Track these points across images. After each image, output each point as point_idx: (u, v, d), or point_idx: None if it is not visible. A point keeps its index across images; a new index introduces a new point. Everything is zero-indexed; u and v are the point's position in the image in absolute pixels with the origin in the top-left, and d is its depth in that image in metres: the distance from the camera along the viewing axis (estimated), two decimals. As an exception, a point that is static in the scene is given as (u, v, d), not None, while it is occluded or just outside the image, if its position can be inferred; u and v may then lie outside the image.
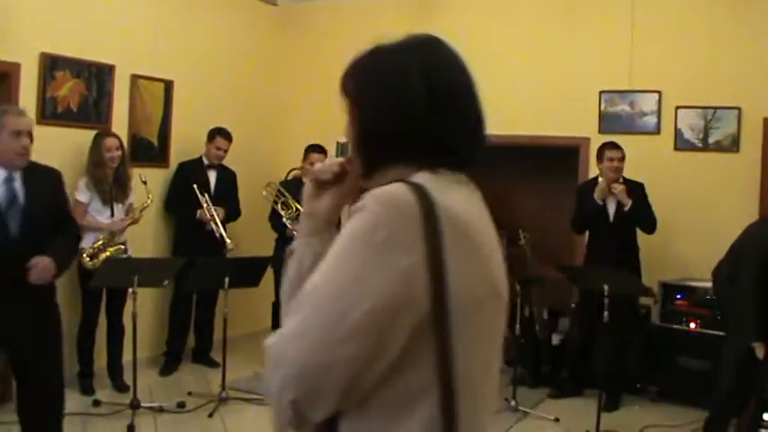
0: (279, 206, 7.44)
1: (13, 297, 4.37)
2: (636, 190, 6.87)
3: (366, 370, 1.51)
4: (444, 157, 1.68)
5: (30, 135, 4.53)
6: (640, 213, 6.81)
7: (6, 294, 4.37)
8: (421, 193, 1.57)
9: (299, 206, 7.33)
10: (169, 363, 7.45)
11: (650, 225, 6.87)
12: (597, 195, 6.90)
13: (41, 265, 4.43)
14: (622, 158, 6.90)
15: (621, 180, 6.90)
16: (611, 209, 6.91)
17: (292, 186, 7.46)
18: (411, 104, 1.66)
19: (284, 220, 7.37)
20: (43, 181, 4.64)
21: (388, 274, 1.51)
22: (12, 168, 4.47)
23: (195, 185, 7.21)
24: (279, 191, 7.48)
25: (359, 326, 1.49)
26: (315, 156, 7.53)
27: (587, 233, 7.22)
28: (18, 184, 4.48)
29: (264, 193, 7.57)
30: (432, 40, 1.79)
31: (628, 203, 6.79)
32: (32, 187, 4.52)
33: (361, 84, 1.75)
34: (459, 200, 1.64)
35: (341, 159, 1.78)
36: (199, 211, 7.26)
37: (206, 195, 7.28)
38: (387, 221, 1.53)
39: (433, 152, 1.67)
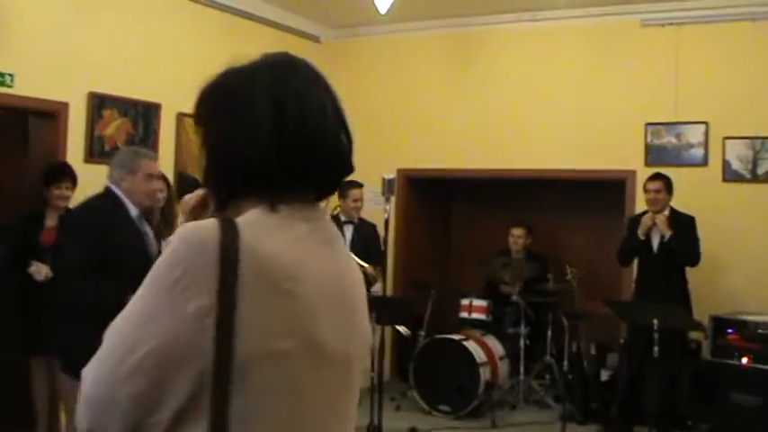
0: None
1: None
2: (683, 222, 6.77)
3: (149, 414, 1.40)
4: (291, 190, 1.53)
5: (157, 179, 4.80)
6: (680, 245, 6.69)
7: None
8: (228, 230, 1.43)
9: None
10: None
11: (691, 258, 6.73)
12: (640, 231, 6.83)
13: None
14: (659, 190, 6.81)
15: (668, 211, 6.80)
16: (656, 240, 6.81)
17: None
18: (250, 130, 1.51)
19: None
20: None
21: (174, 316, 1.39)
22: (140, 207, 4.67)
23: None
24: None
25: (141, 366, 1.38)
26: (354, 192, 7.50)
27: (635, 266, 7.11)
28: (145, 222, 4.70)
29: None
30: (286, 60, 1.65)
31: (667, 234, 6.69)
32: (150, 225, 4.75)
33: (206, 109, 1.62)
34: (284, 242, 1.48)
35: (202, 191, 1.67)
36: None
37: None
38: (183, 259, 1.41)
39: (277, 184, 1.52)
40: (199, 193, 1.67)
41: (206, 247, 1.41)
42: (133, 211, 4.59)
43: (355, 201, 7.51)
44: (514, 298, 7.85)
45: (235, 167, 1.55)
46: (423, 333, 7.80)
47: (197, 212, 1.66)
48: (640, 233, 6.83)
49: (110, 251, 4.33)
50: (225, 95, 1.61)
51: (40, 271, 5.71)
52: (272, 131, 1.51)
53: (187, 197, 1.69)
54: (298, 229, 1.53)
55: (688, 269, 6.85)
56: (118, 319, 1.46)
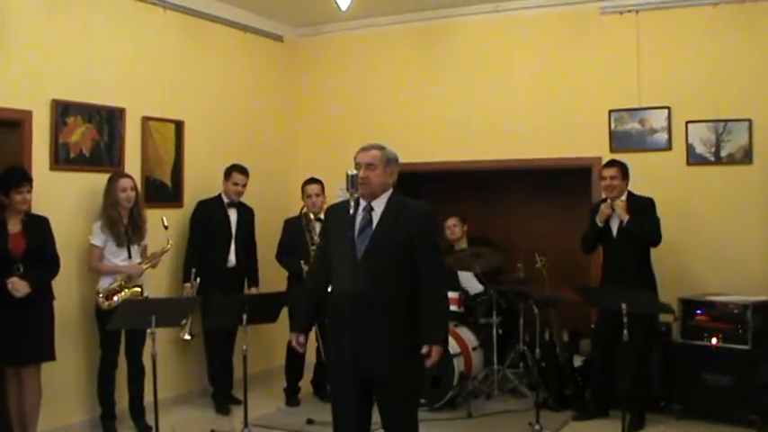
0: (308, 234, 7.54)
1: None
2: (641, 204, 6.82)
3: None
4: None
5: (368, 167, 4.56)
6: (639, 227, 6.73)
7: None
8: None
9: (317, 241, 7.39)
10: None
11: (652, 238, 6.75)
12: (598, 218, 6.90)
13: None
14: (615, 176, 6.84)
15: (625, 196, 6.86)
16: (615, 226, 6.86)
17: (298, 223, 7.61)
18: None
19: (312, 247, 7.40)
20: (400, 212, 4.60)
21: None
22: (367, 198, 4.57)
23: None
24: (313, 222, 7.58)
25: None
26: (309, 188, 7.66)
27: (602, 252, 7.16)
28: (375, 214, 4.54)
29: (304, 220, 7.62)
30: None
31: (625, 219, 6.75)
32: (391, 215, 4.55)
33: None
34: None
35: None
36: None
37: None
38: None
39: None
40: None
41: None
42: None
43: (316, 196, 7.64)
44: (481, 289, 7.93)
45: None
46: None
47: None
48: (599, 220, 6.89)
49: None
50: None
51: (19, 289, 5.68)
52: None
53: None
54: None
55: (657, 253, 6.92)
56: None
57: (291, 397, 7.73)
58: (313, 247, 7.39)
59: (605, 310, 6.69)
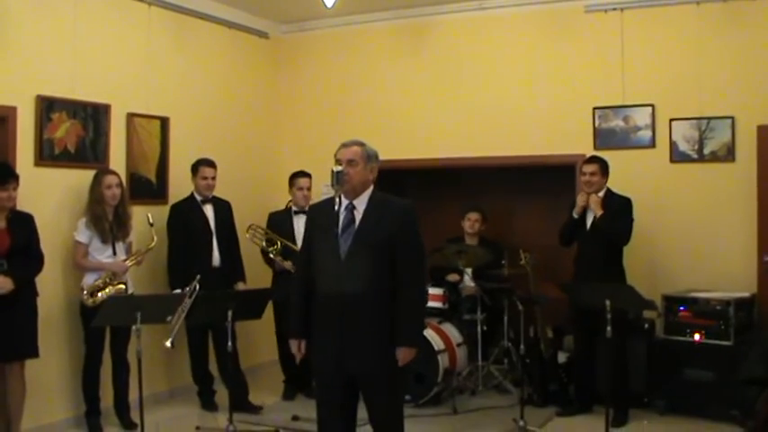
0: (265, 244, 7.48)
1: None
2: (618, 203, 6.87)
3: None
4: None
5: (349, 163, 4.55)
6: (608, 224, 6.76)
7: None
8: None
9: (281, 240, 7.37)
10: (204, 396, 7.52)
11: (618, 237, 6.79)
12: (574, 210, 6.97)
13: None
14: (595, 172, 6.89)
15: (602, 193, 6.90)
16: (590, 220, 6.92)
17: (286, 217, 7.55)
18: None
19: (271, 256, 7.41)
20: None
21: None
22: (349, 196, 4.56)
23: None
24: (260, 230, 7.53)
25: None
26: (300, 181, 7.63)
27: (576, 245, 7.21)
28: (358, 213, 4.54)
29: (248, 235, 7.57)
30: None
31: (597, 214, 6.80)
32: (373, 214, 4.56)
33: None
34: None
35: None
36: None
37: None
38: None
39: None
40: None
41: None
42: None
43: (301, 189, 7.61)
44: (466, 284, 7.94)
45: None
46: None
47: None
48: (574, 212, 6.97)
49: None
50: None
51: (3, 285, 5.68)
52: None
53: None
54: None
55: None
56: None
57: (291, 389, 7.76)
58: (272, 248, 7.42)
59: (576, 307, 6.75)
